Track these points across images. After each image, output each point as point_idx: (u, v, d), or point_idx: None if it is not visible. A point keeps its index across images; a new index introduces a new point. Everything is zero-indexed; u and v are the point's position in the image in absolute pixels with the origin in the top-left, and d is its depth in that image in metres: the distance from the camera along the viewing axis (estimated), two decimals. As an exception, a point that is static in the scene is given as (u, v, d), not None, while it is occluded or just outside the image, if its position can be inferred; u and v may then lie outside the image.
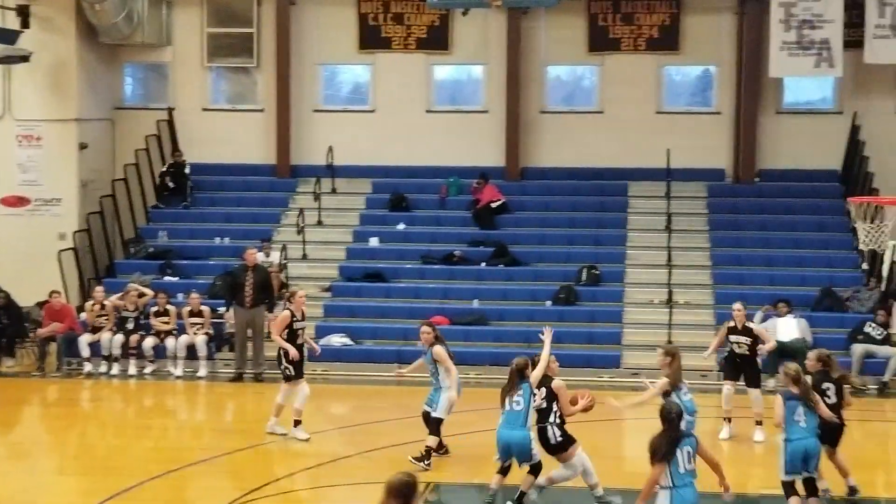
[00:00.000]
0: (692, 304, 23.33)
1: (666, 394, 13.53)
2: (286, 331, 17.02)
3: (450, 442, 16.37)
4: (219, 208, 26.69)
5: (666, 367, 13.98)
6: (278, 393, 17.26)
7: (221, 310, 22.45)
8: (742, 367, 17.63)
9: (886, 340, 21.23)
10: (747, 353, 17.63)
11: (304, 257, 24.98)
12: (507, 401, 13.65)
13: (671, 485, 10.80)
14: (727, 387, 17.46)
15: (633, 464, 16.82)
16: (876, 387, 20.86)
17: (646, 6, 26.40)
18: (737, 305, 18.01)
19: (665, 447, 10.87)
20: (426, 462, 15.29)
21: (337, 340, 22.27)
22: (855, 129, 25.54)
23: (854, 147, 25.41)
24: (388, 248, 25.25)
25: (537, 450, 13.73)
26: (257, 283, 21.54)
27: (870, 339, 21.21)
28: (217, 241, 25.61)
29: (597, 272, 23.98)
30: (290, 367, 16.98)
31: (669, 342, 22.06)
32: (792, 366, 13.36)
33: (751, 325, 17.98)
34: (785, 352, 20.14)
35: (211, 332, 22.33)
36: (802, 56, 24.81)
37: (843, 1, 24.68)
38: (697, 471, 11.01)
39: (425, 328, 16.03)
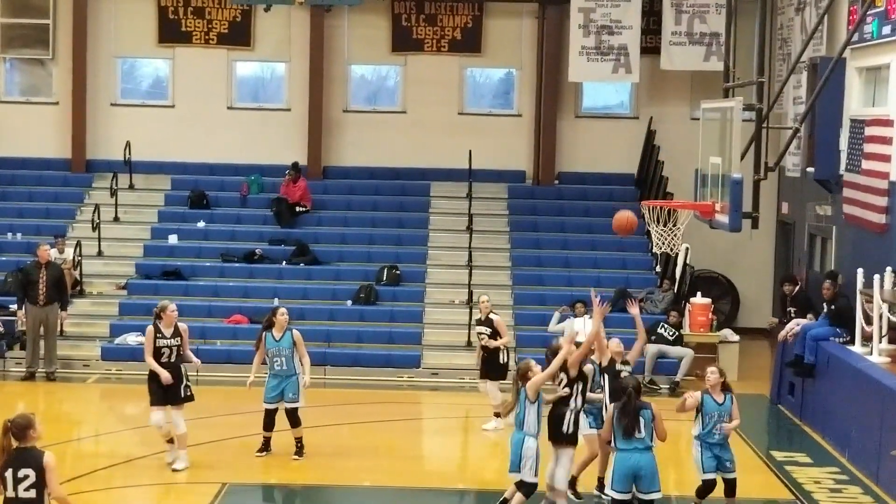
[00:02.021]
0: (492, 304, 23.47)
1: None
2: (153, 348, 15.26)
3: (245, 442, 16.20)
4: (11, 203, 25.87)
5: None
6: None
7: (13, 307, 21.78)
8: (487, 357, 18.19)
9: (678, 341, 21.74)
10: (487, 343, 18.11)
11: (100, 254, 24.39)
12: None
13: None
14: (488, 384, 18.11)
15: (431, 463, 16.96)
16: (668, 386, 21.35)
17: (449, 8, 26.55)
18: (483, 297, 18.62)
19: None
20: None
21: (133, 339, 21.75)
22: (650, 134, 26.13)
23: (649, 152, 26.00)
24: (187, 246, 24.83)
25: (531, 464, 12.99)
26: (50, 280, 20.95)
27: (662, 340, 21.69)
28: (9, 236, 24.84)
29: (397, 272, 24.01)
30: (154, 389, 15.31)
31: (469, 343, 22.27)
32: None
33: (493, 316, 18.26)
34: (581, 352, 20.43)
35: (1, 329, 21.65)
36: (601, 61, 25.28)
37: (641, 8, 25.25)
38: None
39: (284, 310, 15.88)
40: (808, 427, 18.41)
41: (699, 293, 22.65)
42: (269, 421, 15.92)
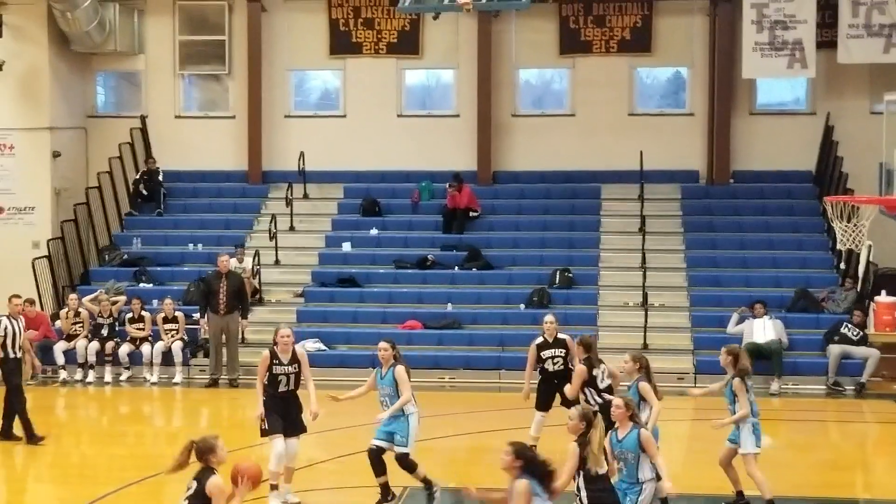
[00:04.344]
0: (667, 306, 23.26)
1: None
2: (267, 375, 14.07)
3: (433, 446, 16.24)
4: (192, 215, 26.57)
5: (730, 366, 13.45)
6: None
7: (196, 316, 22.31)
8: (559, 386, 15.56)
9: (863, 341, 21.20)
10: (562, 367, 15.81)
11: (277, 263, 24.85)
12: None
13: None
14: (540, 415, 15.82)
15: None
16: (853, 388, 20.84)
17: (617, 8, 26.35)
18: (549, 318, 16.22)
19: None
20: (435, 489, 14.15)
21: (310, 346, 22.11)
22: (828, 130, 25.52)
23: (828, 148, 25.39)
24: (361, 253, 25.14)
25: None
26: (231, 289, 21.42)
27: (846, 340, 21.17)
28: (190, 247, 25.49)
29: (570, 275, 23.90)
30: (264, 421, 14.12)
31: (645, 345, 22.06)
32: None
33: (563, 336, 16.02)
34: (761, 353, 20.12)
35: (185, 338, 22.21)
36: (775, 57, 24.80)
37: (816, 1, 24.70)
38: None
39: (384, 344, 14.16)
40: None
41: (884, 291, 22.02)
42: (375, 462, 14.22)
